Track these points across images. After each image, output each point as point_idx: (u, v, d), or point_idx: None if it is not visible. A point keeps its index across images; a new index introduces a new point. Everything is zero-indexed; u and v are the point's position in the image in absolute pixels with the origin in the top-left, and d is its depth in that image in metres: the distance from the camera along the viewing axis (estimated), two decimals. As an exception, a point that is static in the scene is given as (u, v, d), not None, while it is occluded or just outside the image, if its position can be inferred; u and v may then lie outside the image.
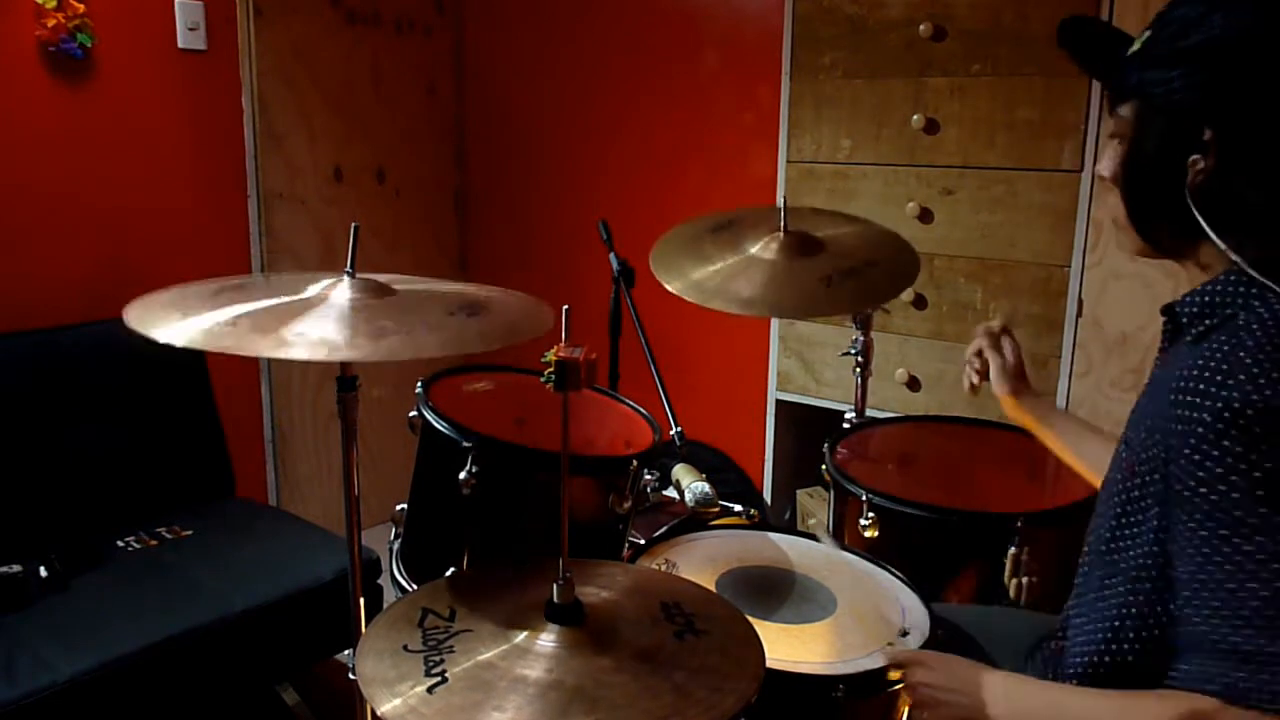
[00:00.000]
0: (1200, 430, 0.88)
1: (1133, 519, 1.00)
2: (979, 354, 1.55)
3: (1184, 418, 0.89)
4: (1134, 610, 0.99)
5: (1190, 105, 0.95)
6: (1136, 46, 1.01)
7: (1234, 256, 0.95)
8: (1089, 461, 1.42)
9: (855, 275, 1.72)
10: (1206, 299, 0.98)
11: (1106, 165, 1.08)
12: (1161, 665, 0.96)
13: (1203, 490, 0.88)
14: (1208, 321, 0.97)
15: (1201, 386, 0.89)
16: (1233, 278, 0.96)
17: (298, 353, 1.12)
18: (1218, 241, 0.96)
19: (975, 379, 1.56)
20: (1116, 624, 1.01)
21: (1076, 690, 1.04)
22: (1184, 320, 1.01)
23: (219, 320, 1.18)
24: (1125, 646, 1.00)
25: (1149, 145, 1.00)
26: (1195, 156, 0.95)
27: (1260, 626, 0.86)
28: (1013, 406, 1.51)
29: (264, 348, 1.12)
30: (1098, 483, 1.39)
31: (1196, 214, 0.96)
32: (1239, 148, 0.94)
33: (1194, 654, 0.91)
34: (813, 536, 1.57)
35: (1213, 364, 0.89)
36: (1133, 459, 1.00)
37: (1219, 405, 0.87)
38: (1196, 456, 0.88)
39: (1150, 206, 1.03)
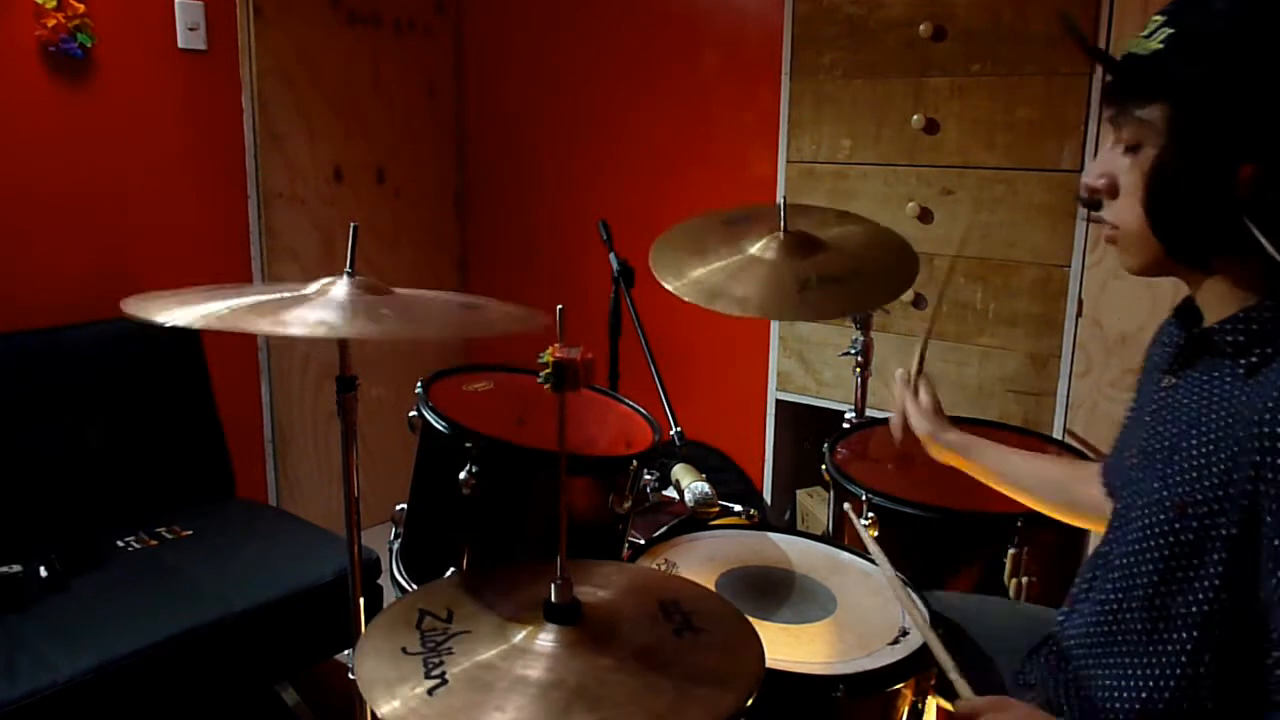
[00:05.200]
0: None
1: (1186, 562, 0.93)
2: (901, 408, 1.50)
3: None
4: (1208, 659, 0.93)
5: (1244, 106, 0.86)
6: (1158, 44, 0.92)
7: None
8: (1018, 482, 1.40)
9: (836, 282, 1.70)
10: (1255, 327, 0.91)
11: (1100, 176, 0.99)
12: (1244, 716, 0.90)
13: None
14: (1259, 350, 0.90)
15: None
16: None
17: (295, 330, 1.13)
18: (1277, 256, 0.87)
19: (900, 433, 1.50)
20: (1190, 672, 0.94)
21: None
22: (1228, 350, 0.93)
23: (218, 307, 1.20)
24: (1205, 696, 0.94)
25: (1188, 154, 0.90)
26: (1247, 165, 0.86)
27: None
28: (935, 446, 1.46)
29: (263, 325, 1.13)
30: (1030, 501, 1.38)
31: (1252, 227, 0.87)
32: None
33: None
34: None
35: None
36: (1181, 499, 0.93)
37: None
38: None
39: (1185, 222, 0.94)
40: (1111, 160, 0.99)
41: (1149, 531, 0.98)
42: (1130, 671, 1.01)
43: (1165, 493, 0.96)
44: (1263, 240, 0.87)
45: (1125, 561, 1.02)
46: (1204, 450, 0.91)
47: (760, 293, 1.68)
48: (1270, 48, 0.86)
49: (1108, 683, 1.04)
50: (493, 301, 1.41)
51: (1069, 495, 1.34)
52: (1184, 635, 0.95)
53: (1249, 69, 0.87)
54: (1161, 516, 0.96)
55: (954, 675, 1.09)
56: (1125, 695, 1.01)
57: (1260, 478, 0.85)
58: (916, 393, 1.50)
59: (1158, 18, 0.93)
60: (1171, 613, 0.96)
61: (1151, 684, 0.98)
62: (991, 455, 1.43)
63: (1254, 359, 0.91)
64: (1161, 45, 0.91)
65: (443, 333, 1.20)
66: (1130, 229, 0.99)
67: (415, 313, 1.24)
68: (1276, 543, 0.85)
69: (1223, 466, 0.89)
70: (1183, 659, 0.95)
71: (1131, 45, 0.96)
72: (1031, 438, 1.84)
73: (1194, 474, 0.92)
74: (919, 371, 1.53)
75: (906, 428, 1.50)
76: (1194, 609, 0.94)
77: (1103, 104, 1.00)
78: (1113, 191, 1.00)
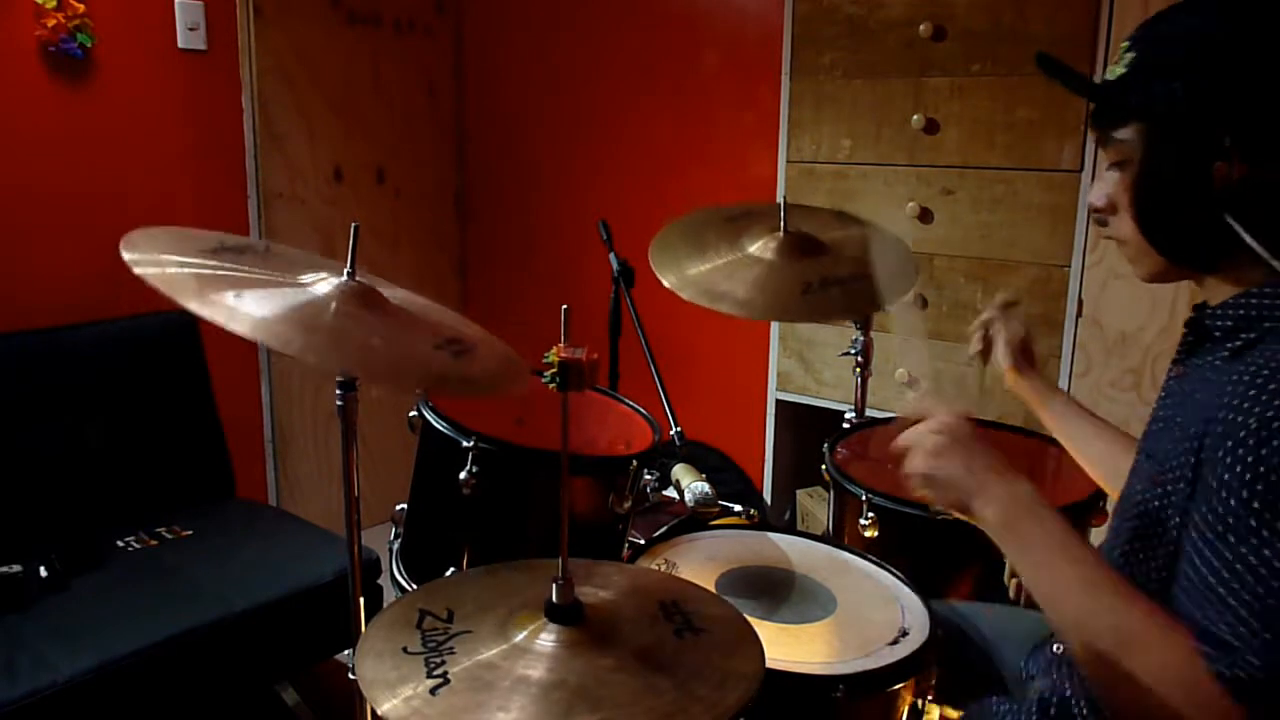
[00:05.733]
0: (1242, 434, 0.85)
1: (1152, 530, 0.98)
2: (986, 325, 1.56)
3: (1226, 420, 0.87)
4: None
5: (1202, 114, 0.92)
6: (1123, 69, 0.99)
7: (1276, 265, 0.92)
8: (1082, 447, 1.42)
9: (838, 285, 1.70)
10: (1242, 312, 0.95)
11: (1101, 195, 1.05)
12: None
13: (1222, 493, 0.86)
14: (1244, 335, 0.94)
15: (1251, 393, 0.86)
16: (1267, 289, 0.94)
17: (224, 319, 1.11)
18: (1258, 249, 0.92)
19: (980, 345, 1.56)
20: None
21: (1082, 548, 0.98)
22: (1217, 334, 0.98)
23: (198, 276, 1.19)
24: None
25: (1164, 164, 0.97)
26: (1219, 164, 0.92)
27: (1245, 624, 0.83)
28: (1015, 381, 1.51)
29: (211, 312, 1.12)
30: (1090, 468, 1.40)
31: (1233, 223, 0.93)
32: (1263, 149, 0.91)
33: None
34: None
35: (1264, 374, 0.87)
36: (1157, 470, 0.97)
37: (1269, 414, 0.84)
38: (1228, 459, 0.85)
39: (1175, 228, 1.00)
40: (1106, 180, 1.05)
41: (1130, 504, 1.02)
42: None
43: (1148, 465, 1.00)
44: (1242, 233, 0.93)
45: (1113, 536, 1.07)
46: (1183, 425, 0.95)
47: (764, 296, 1.68)
48: (1223, 58, 0.92)
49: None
50: (483, 335, 1.38)
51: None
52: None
53: (1198, 81, 0.93)
54: (1139, 487, 1.01)
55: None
56: None
57: (1206, 433, 0.89)
58: (1008, 323, 1.53)
59: (1125, 43, 1.00)
60: (1138, 581, 0.99)
61: None
62: (1067, 414, 1.45)
63: (1239, 342, 0.95)
64: (1126, 69, 0.99)
65: (420, 385, 1.19)
66: (1131, 241, 1.04)
67: (387, 340, 1.21)
68: (1200, 485, 0.89)
69: (1190, 434, 0.93)
70: None
71: (1106, 72, 1.03)
72: (1032, 438, 1.84)
73: (1170, 446, 0.96)
74: (1014, 303, 1.56)
75: (986, 345, 1.54)
76: (1153, 575, 0.97)
77: (1089, 130, 1.05)
78: (1113, 209, 1.05)
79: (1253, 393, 0.86)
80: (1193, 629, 0.86)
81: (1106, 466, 1.39)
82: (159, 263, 1.20)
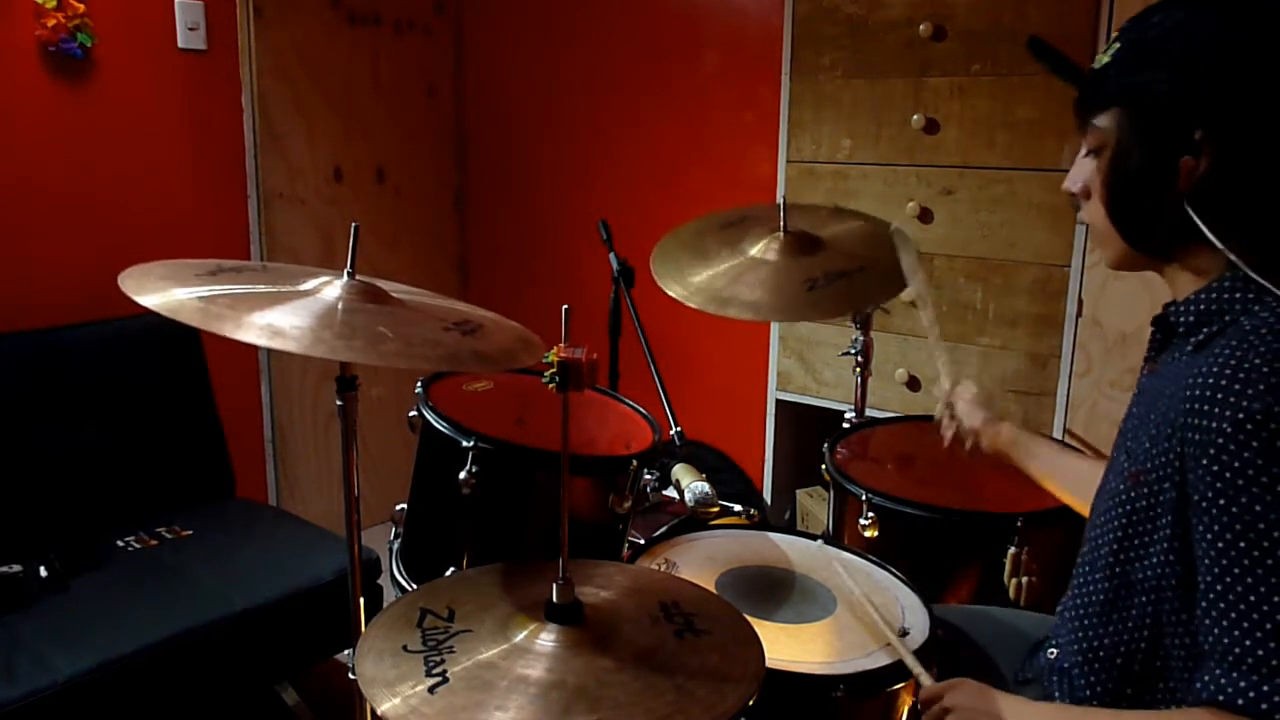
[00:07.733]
0: (1220, 441, 0.86)
1: (1142, 529, 0.99)
2: (949, 405, 1.58)
3: (1200, 427, 0.88)
4: (1162, 620, 0.97)
5: (1179, 106, 0.95)
6: (1107, 58, 1.01)
7: (1233, 258, 0.94)
8: (1068, 482, 1.41)
9: (843, 278, 1.71)
10: (1202, 307, 0.98)
11: (1078, 180, 1.07)
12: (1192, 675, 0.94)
13: (1222, 501, 0.87)
14: (1205, 329, 0.97)
15: (1219, 396, 0.87)
16: (1226, 284, 0.96)
17: (251, 336, 1.12)
18: (1218, 245, 0.95)
19: (953, 427, 1.57)
20: (1145, 633, 0.99)
21: (1093, 712, 1.02)
22: (1180, 329, 1.00)
23: (200, 295, 1.20)
24: (1159, 662, 0.98)
25: (1135, 152, 0.99)
26: (1187, 158, 0.95)
27: None
28: (991, 437, 1.50)
29: (227, 329, 1.12)
30: (1072, 500, 1.39)
31: (1195, 218, 0.95)
32: (1232, 147, 0.93)
33: (1215, 666, 0.88)
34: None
35: (1226, 372, 0.88)
36: (1137, 469, 0.99)
37: (1239, 415, 0.86)
38: (1215, 467, 0.87)
39: (1140, 215, 1.02)
40: (1082, 166, 1.08)
41: (1111, 502, 1.04)
42: (1100, 642, 1.05)
43: (1126, 463, 1.02)
44: (1202, 227, 0.95)
45: (1093, 534, 1.08)
46: (1157, 423, 0.97)
47: (769, 297, 1.68)
48: (1208, 54, 0.94)
49: (1079, 658, 1.07)
50: (491, 318, 1.39)
51: None
52: (1143, 600, 0.99)
53: (1180, 73, 0.95)
54: (1121, 486, 1.02)
55: (917, 669, 1.17)
56: (1098, 667, 1.05)
57: (1184, 439, 0.91)
58: (960, 397, 1.57)
59: (1115, 34, 1.03)
60: (1131, 579, 1.01)
61: (1123, 649, 1.02)
62: (1045, 454, 1.45)
63: (1201, 336, 0.97)
64: (1109, 59, 1.01)
65: (437, 364, 1.20)
66: (1099, 226, 1.08)
67: (403, 333, 1.22)
68: (1196, 497, 0.90)
69: (1166, 434, 0.94)
70: (1146, 621, 0.99)
71: (1094, 61, 1.05)
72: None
73: (1148, 444, 0.98)
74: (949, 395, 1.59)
75: (956, 427, 1.56)
76: (1150, 573, 0.98)
77: (1074, 116, 1.07)
78: (1086, 194, 1.08)
79: (1219, 395, 0.88)
80: (1213, 681, 0.88)
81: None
82: (167, 293, 1.20)
